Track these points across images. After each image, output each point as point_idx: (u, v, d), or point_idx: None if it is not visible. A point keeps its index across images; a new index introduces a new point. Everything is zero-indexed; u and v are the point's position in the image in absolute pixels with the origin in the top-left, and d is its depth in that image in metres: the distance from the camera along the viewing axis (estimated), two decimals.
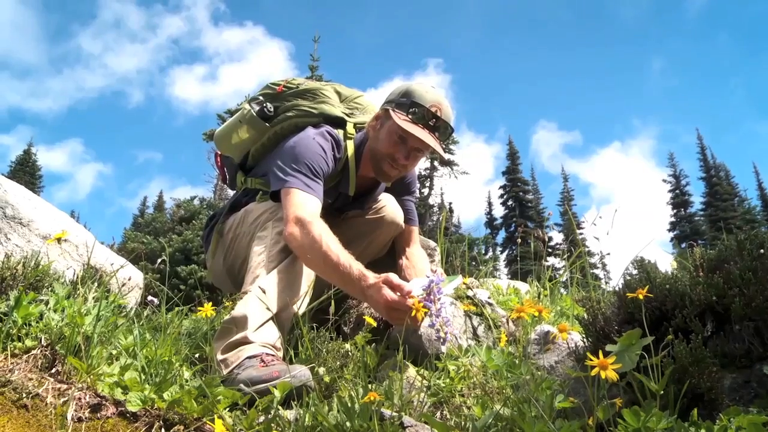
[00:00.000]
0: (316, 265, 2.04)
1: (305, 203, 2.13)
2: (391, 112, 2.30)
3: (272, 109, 2.50)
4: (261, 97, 2.56)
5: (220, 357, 1.80)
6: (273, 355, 1.81)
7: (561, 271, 4.76)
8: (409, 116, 2.27)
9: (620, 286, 1.76)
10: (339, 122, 2.51)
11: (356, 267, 1.92)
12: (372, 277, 1.89)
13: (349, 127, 2.52)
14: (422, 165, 28.83)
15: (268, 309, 1.87)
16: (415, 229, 2.74)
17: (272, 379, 1.65)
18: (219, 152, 2.79)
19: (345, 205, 2.59)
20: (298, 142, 2.31)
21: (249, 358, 1.77)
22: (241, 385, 1.66)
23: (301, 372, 1.67)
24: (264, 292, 1.92)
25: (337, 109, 2.54)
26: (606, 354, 1.27)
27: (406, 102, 2.30)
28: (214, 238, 2.52)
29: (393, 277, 1.84)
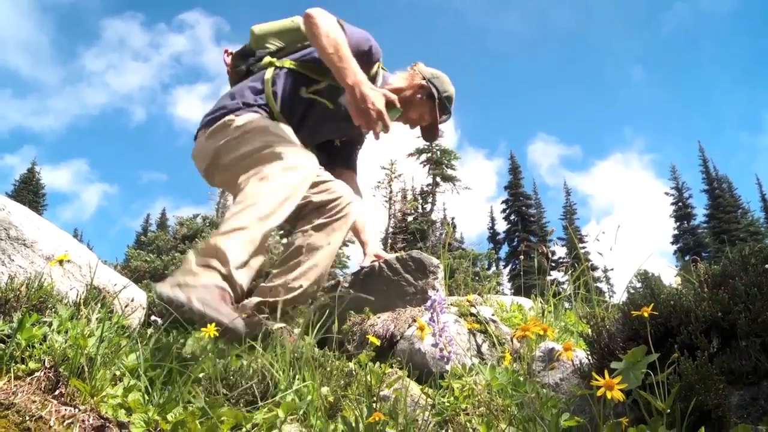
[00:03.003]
0: (332, 46, 2.37)
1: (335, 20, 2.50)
2: (436, 100, 2.81)
3: None
4: None
5: (194, 267, 2.00)
6: (231, 296, 2.04)
7: (565, 285, 4.74)
8: (443, 116, 2.86)
9: (624, 300, 1.76)
10: None
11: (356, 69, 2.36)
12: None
13: None
14: (424, 181, 28.90)
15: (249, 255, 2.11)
16: (356, 176, 3.15)
17: (219, 311, 1.87)
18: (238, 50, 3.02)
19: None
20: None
21: (216, 286, 1.98)
22: (194, 301, 1.86)
23: (238, 320, 1.90)
24: (252, 243, 2.12)
25: None
26: (611, 372, 1.26)
27: (446, 104, 2.87)
28: (226, 123, 2.58)
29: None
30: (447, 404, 1.78)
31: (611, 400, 1.19)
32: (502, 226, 42.16)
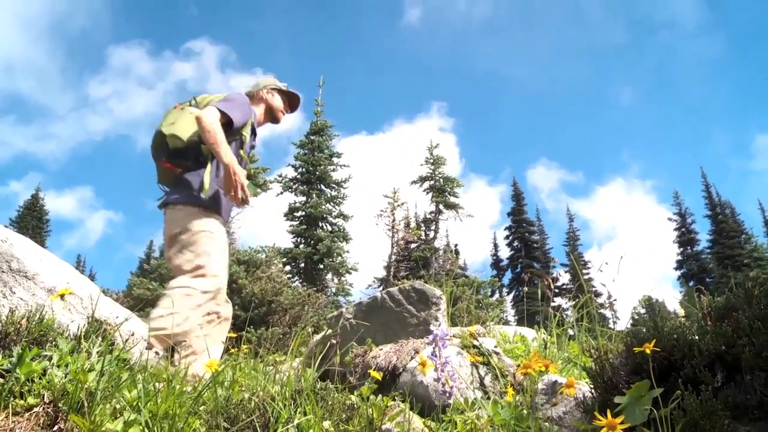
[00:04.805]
0: (213, 139, 3.16)
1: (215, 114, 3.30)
2: (279, 88, 3.90)
3: None
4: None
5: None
6: None
7: (568, 312, 4.70)
8: (289, 89, 3.95)
9: (628, 329, 1.74)
10: None
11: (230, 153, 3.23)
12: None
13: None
14: (427, 209, 28.89)
15: None
16: None
17: None
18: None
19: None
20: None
21: None
22: None
23: None
24: None
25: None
26: (614, 406, 1.25)
27: (282, 83, 3.94)
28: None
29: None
30: None
31: None
32: (505, 252, 42.11)
